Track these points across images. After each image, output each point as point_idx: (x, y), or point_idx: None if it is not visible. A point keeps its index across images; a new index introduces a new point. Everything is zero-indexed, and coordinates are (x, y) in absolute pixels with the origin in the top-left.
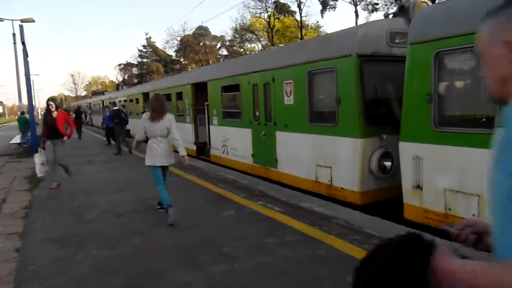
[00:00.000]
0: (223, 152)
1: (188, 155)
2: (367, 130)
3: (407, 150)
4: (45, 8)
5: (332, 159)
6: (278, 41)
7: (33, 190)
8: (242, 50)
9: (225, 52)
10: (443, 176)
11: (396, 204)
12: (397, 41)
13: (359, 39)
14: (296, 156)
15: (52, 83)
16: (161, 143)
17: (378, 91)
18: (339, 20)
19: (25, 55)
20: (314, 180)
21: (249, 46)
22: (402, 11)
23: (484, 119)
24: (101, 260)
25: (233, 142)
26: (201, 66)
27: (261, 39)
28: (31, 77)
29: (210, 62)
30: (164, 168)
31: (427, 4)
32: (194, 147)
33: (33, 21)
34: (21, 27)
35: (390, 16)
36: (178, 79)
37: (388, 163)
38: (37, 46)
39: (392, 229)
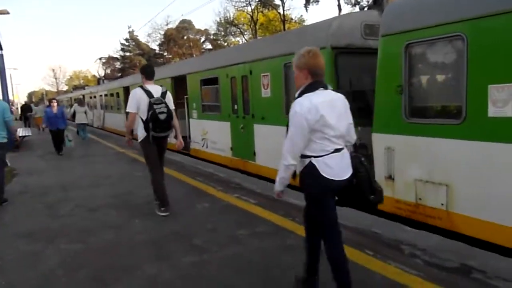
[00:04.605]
0: (202, 146)
1: (167, 149)
2: None
3: (379, 141)
4: (22, 0)
5: None
6: (262, 35)
7: (6, 185)
8: (226, 43)
9: (209, 46)
10: (413, 166)
11: None
12: (371, 33)
13: (333, 32)
14: (273, 148)
15: (32, 77)
16: (82, 115)
17: (353, 83)
18: (323, 13)
19: None
20: None
21: (233, 39)
22: (377, 3)
23: (452, 110)
24: (70, 254)
25: (212, 135)
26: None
27: (245, 33)
28: (9, 71)
29: (194, 56)
30: (84, 125)
31: None
32: (174, 141)
33: (8, 13)
34: None
35: (365, 8)
36: (158, 72)
37: None
38: (15, 39)
39: (364, 219)
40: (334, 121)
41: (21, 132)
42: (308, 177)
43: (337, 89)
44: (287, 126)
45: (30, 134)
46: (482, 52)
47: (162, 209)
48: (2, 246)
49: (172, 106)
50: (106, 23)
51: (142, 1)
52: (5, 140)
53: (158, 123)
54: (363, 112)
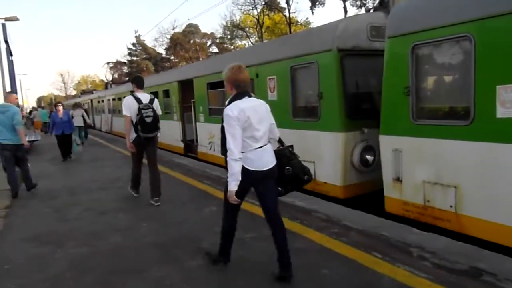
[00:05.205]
0: (209, 149)
1: (175, 152)
2: (348, 124)
3: (386, 143)
4: (31, 7)
5: (315, 153)
6: (268, 38)
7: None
8: (232, 47)
9: (215, 50)
10: (421, 168)
11: (380, 197)
12: (377, 35)
13: (339, 34)
14: None
15: (41, 82)
16: (79, 118)
17: (359, 85)
18: (329, 16)
19: (9, 54)
20: None
21: (239, 43)
22: (383, 5)
23: (459, 111)
24: (78, 257)
25: (219, 139)
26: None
27: (251, 36)
28: (18, 77)
29: (201, 60)
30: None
31: None
32: (182, 145)
33: (17, 19)
34: (3, 25)
35: (371, 10)
36: (165, 76)
37: (370, 157)
38: (25, 45)
39: (372, 221)
40: (257, 123)
41: (32, 136)
42: None
43: (343, 90)
44: (222, 129)
45: (39, 138)
46: (489, 52)
47: (134, 191)
48: (11, 249)
49: (159, 112)
50: (113, 28)
51: (149, 6)
52: (21, 142)
53: (145, 125)
54: (369, 114)
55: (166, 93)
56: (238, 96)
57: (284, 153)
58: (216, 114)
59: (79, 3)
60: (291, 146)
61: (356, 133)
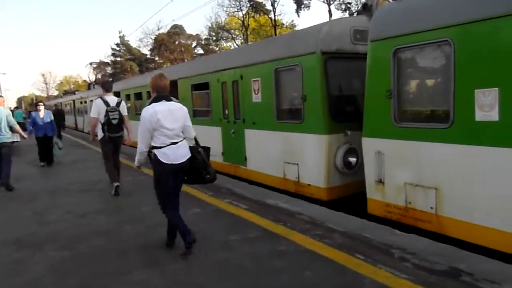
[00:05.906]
0: None
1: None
2: (332, 127)
3: (369, 145)
4: (11, 5)
5: (299, 156)
6: (253, 40)
7: None
8: (217, 48)
9: (200, 51)
10: (403, 170)
11: (363, 199)
12: (361, 38)
13: (323, 37)
14: (264, 153)
15: (22, 82)
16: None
17: (342, 88)
18: (315, 19)
19: None
20: (282, 177)
21: (224, 44)
22: (366, 9)
23: (440, 114)
24: (58, 261)
25: (203, 140)
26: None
27: (237, 38)
28: None
29: (186, 61)
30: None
31: (389, 2)
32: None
33: None
34: None
35: (355, 14)
36: (149, 77)
37: (353, 159)
38: (5, 44)
39: (354, 223)
40: (169, 123)
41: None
42: (153, 162)
43: (327, 93)
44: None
45: (19, 139)
46: (468, 57)
47: (113, 184)
48: None
49: (125, 113)
50: (97, 28)
51: (133, 6)
52: (9, 140)
53: (111, 126)
54: (353, 116)
55: (150, 94)
56: (156, 99)
57: (191, 152)
58: (201, 116)
59: (62, 1)
60: (205, 148)
61: (340, 135)
